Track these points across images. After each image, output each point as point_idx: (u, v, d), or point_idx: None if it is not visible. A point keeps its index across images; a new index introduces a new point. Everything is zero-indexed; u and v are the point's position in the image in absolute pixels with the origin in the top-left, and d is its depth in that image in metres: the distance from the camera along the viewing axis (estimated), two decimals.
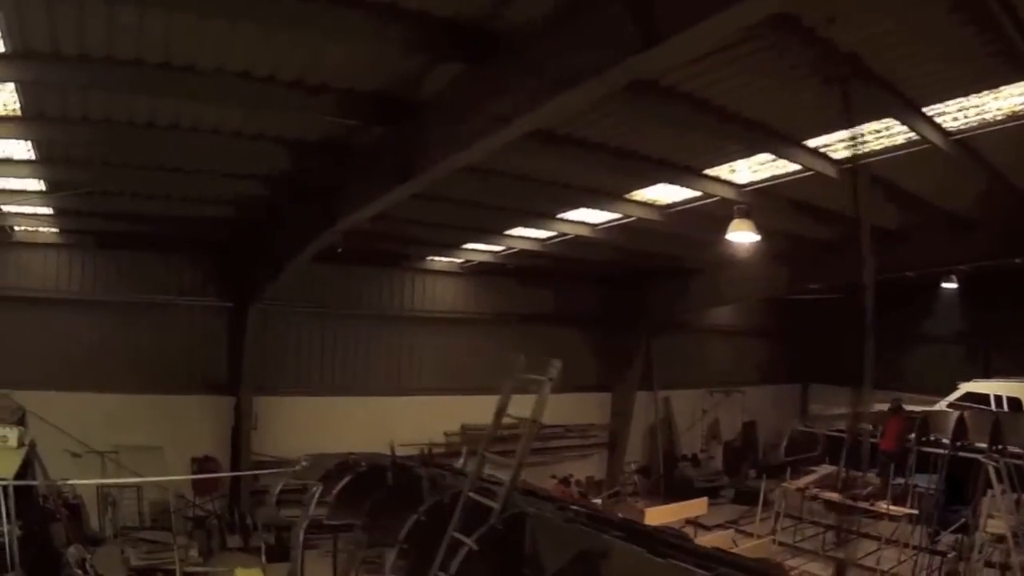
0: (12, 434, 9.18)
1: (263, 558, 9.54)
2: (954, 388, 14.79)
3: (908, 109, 6.38)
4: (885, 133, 7.20)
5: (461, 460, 6.79)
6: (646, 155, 8.02)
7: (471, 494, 4.70)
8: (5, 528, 7.73)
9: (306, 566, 7.12)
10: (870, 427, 13.53)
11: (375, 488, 6.03)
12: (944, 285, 17.38)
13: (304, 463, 7.44)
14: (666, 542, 3.94)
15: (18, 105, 6.54)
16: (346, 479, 6.40)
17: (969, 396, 14.39)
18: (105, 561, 9.63)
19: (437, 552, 4.73)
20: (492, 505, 4.54)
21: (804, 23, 5.09)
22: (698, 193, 9.22)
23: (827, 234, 11.22)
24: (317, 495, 6.55)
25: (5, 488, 7.74)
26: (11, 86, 6.14)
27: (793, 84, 5.96)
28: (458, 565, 4.18)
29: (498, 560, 4.47)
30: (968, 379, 14.88)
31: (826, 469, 13.74)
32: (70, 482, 9.99)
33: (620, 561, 3.73)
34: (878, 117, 6.70)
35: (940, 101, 6.33)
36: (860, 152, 5.90)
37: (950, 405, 14.32)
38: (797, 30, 5.10)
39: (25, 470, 8.80)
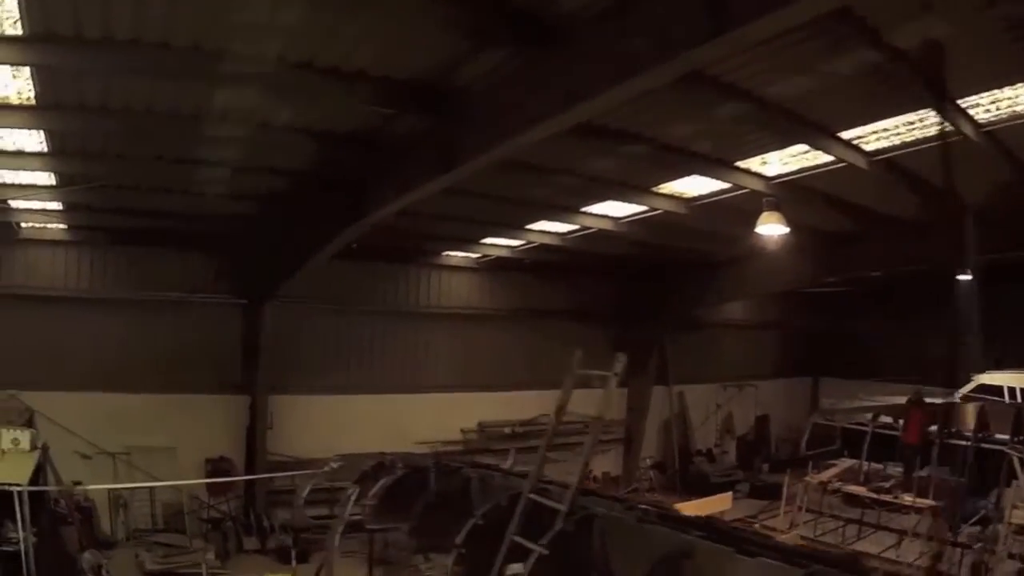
0: (25, 437, 8.96)
1: (293, 561, 9.33)
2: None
3: (944, 101, 6.26)
4: (918, 125, 7.11)
5: (509, 460, 6.62)
6: (680, 146, 7.86)
7: (532, 495, 4.52)
8: (20, 535, 7.50)
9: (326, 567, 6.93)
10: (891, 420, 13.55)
11: (417, 490, 5.84)
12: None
13: (335, 464, 7.23)
14: (750, 540, 3.79)
15: (33, 93, 6.26)
16: (384, 481, 6.20)
17: (983, 388, 14.38)
18: (120, 566, 9.44)
19: (493, 556, 4.56)
20: (557, 507, 4.36)
21: (856, 13, 4.94)
22: (727, 185, 9.09)
23: (852, 226, 11.13)
24: (354, 497, 6.36)
25: (20, 494, 7.52)
26: (27, 73, 5.85)
27: (836, 75, 5.82)
28: (529, 569, 4.01)
29: (563, 564, 4.31)
30: (981, 371, 14.87)
31: (846, 463, 13.68)
32: (88, 487, 9.74)
33: (706, 561, 3.58)
34: (914, 109, 6.62)
35: (975, 93, 6.23)
36: (946, 131, 5.76)
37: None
38: (849, 21, 4.95)
39: (37, 474, 8.57)
